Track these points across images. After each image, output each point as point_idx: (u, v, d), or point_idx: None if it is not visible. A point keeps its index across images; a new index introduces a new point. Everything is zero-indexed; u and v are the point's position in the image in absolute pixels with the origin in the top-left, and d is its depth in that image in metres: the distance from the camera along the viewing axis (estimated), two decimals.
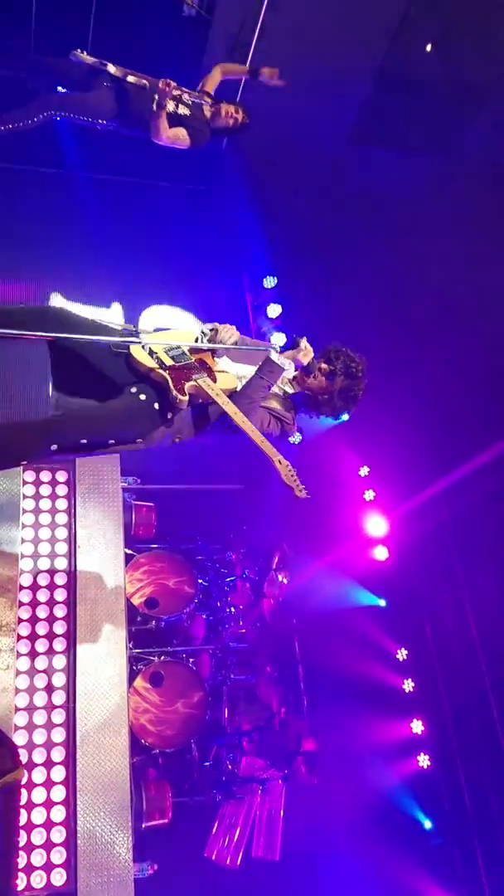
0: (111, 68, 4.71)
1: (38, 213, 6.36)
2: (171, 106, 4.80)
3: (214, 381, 3.22)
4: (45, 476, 4.90)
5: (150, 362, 3.14)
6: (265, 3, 5.57)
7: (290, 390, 3.55)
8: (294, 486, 3.03)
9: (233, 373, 3.40)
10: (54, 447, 2.97)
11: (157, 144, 4.97)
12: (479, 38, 5.75)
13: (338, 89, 6.20)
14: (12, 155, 6.01)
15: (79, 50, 4.71)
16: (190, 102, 4.94)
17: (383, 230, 6.21)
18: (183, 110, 4.91)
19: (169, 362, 3.18)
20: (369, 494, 6.42)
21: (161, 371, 3.13)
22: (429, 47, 5.98)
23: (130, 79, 4.74)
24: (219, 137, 5.42)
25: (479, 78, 6.00)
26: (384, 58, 6.08)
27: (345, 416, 3.74)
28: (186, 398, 3.12)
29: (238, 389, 3.33)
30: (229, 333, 3.40)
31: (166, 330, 3.50)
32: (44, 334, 3.01)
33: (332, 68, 6.03)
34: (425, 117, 6.25)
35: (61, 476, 4.92)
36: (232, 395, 3.24)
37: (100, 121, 4.87)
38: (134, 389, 3.13)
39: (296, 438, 3.74)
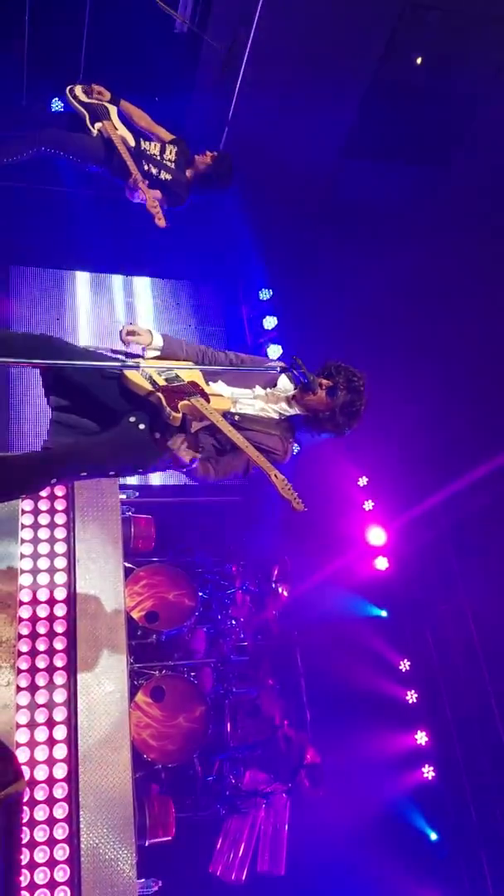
0: (96, 125, 4.75)
1: (37, 229, 6.41)
2: (153, 171, 4.86)
3: (208, 402, 3.20)
4: (44, 490, 4.89)
5: (143, 383, 3.14)
6: (256, 18, 5.62)
7: (290, 411, 3.46)
8: (291, 499, 2.99)
9: (227, 396, 3.37)
10: (54, 481, 2.98)
11: None
12: (468, 50, 5.80)
13: (330, 103, 6.26)
14: (11, 174, 6.06)
15: (69, 88, 4.77)
16: (172, 167, 4.95)
17: (377, 242, 6.25)
18: (165, 176, 4.93)
19: (162, 383, 3.17)
20: (368, 505, 6.41)
21: (155, 391, 3.12)
22: (419, 60, 6.04)
23: (114, 139, 4.77)
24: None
25: (468, 90, 6.05)
26: (375, 71, 6.14)
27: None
28: (180, 415, 3.11)
29: (231, 410, 3.30)
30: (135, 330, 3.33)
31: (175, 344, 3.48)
32: (41, 362, 3.03)
33: (323, 82, 6.09)
34: (417, 130, 6.30)
35: (59, 490, 4.91)
36: (225, 415, 3.23)
37: (89, 164, 4.92)
38: (132, 419, 3.13)
39: (294, 449, 3.71)
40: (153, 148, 4.95)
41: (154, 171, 4.86)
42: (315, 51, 5.85)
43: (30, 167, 5.48)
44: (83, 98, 4.80)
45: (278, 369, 3.44)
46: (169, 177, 4.95)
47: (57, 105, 5.03)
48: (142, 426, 3.11)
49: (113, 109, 4.84)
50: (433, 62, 5.96)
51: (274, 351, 6.93)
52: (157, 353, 3.40)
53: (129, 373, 3.12)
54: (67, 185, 6.34)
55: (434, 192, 6.10)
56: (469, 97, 5.83)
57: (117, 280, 7.16)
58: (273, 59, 5.89)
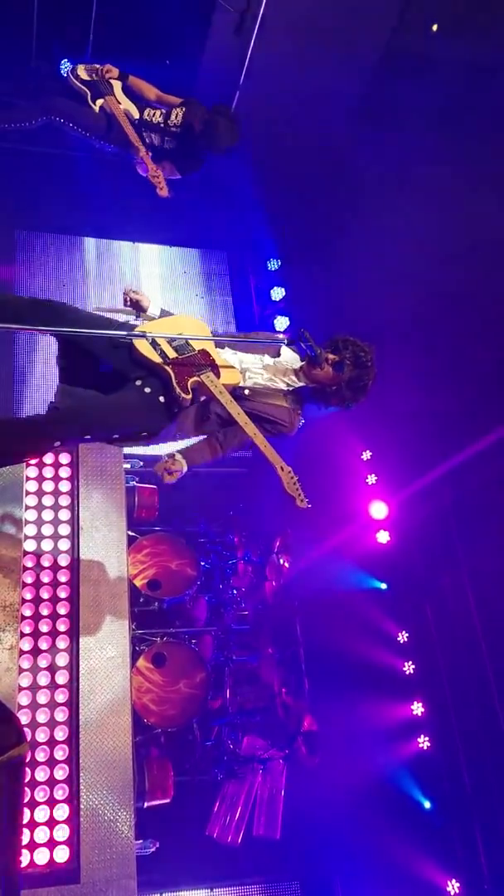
0: (98, 102, 4.71)
1: (44, 193, 6.35)
2: (156, 141, 4.81)
3: (218, 375, 3.18)
4: (49, 458, 4.92)
5: (153, 356, 3.12)
6: None
7: (297, 383, 3.45)
8: (296, 496, 3.00)
9: (235, 363, 3.36)
10: (58, 444, 2.98)
11: None
12: (484, 17, 5.68)
13: (343, 70, 6.16)
14: (13, 135, 5.99)
15: (71, 68, 4.73)
16: (177, 131, 4.85)
17: (388, 212, 6.18)
18: (168, 144, 4.87)
19: (172, 355, 3.14)
20: (372, 479, 6.43)
21: (165, 366, 3.11)
22: (434, 27, 5.92)
23: (116, 113, 4.70)
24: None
25: (485, 57, 5.93)
26: (390, 38, 6.02)
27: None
28: (190, 397, 3.11)
29: (241, 384, 3.30)
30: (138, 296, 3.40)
31: (168, 315, 3.46)
32: (43, 328, 3.02)
33: (337, 49, 5.98)
34: (432, 98, 6.20)
35: (64, 458, 4.94)
36: (232, 392, 3.22)
37: (97, 140, 4.87)
38: (139, 382, 3.13)
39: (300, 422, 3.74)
40: (156, 116, 4.86)
41: (156, 140, 4.80)
42: (329, 16, 5.74)
43: (35, 129, 5.44)
44: (85, 77, 4.74)
45: (285, 341, 3.44)
46: (173, 144, 4.87)
47: (66, 66, 4.96)
48: (148, 389, 3.11)
49: (117, 85, 4.78)
50: (449, 30, 5.84)
51: (281, 322, 6.89)
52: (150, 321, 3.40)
53: (139, 345, 3.11)
54: (75, 149, 6.27)
55: (449, 162, 6.00)
56: (487, 67, 5.72)
57: (125, 247, 7.11)
58: (286, 24, 5.78)
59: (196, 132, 4.81)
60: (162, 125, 4.83)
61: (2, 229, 6.57)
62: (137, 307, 3.39)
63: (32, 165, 6.24)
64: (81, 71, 4.75)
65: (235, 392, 3.26)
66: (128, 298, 3.39)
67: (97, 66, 4.80)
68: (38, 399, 6.07)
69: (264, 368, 3.41)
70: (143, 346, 3.12)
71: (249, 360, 3.40)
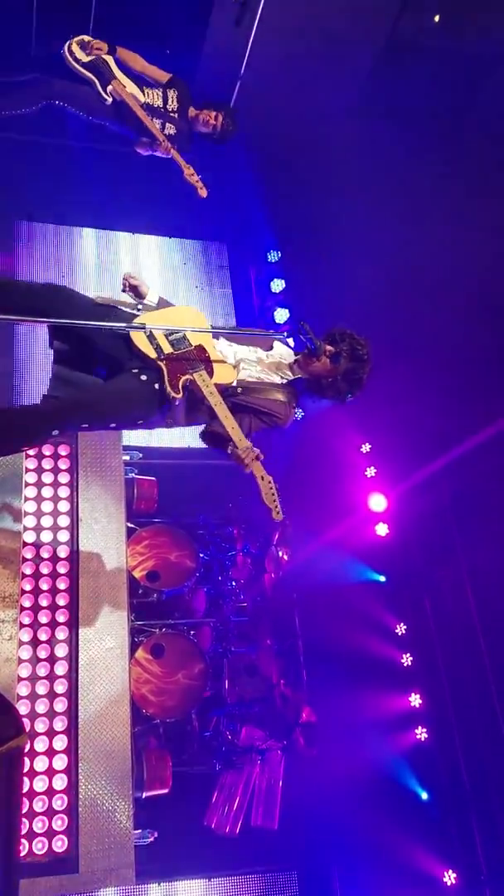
0: (108, 89, 4.68)
1: (43, 183, 6.33)
2: (158, 125, 4.83)
3: (212, 373, 3.19)
4: (48, 449, 4.92)
5: (149, 350, 3.13)
6: None
7: (292, 375, 3.46)
8: (272, 508, 3.02)
9: (230, 355, 3.37)
10: (56, 432, 2.99)
11: None
12: (487, 8, 5.66)
13: (344, 62, 6.13)
14: (13, 125, 5.97)
15: (67, 46, 4.68)
16: (175, 117, 4.90)
17: (388, 205, 6.16)
18: (170, 129, 4.88)
19: (168, 350, 3.15)
20: (371, 471, 6.42)
21: (159, 362, 3.12)
22: (436, 18, 5.89)
23: (127, 100, 4.70)
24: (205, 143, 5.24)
25: (487, 50, 5.91)
26: (391, 30, 5.99)
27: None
28: (180, 395, 3.12)
29: (234, 384, 3.30)
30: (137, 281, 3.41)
31: (167, 304, 3.46)
32: (43, 320, 3.02)
33: (338, 41, 5.95)
34: (433, 90, 6.17)
35: (63, 450, 4.94)
36: (224, 390, 3.23)
37: (98, 118, 4.86)
38: (136, 370, 3.14)
39: (298, 414, 3.72)
40: (156, 98, 4.87)
41: (158, 125, 4.80)
42: (329, 8, 5.72)
43: (35, 119, 5.42)
44: (84, 58, 4.67)
45: (284, 334, 3.43)
46: (173, 130, 4.89)
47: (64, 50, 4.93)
48: (144, 377, 3.12)
49: (111, 60, 4.75)
50: (451, 21, 5.81)
51: (281, 314, 6.88)
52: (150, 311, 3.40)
53: (135, 338, 3.12)
54: (74, 138, 6.25)
55: (449, 155, 5.98)
56: (489, 60, 5.69)
57: (124, 237, 7.09)
58: (286, 15, 5.76)
59: (208, 134, 5.02)
60: (162, 109, 4.83)
61: (1, 219, 6.55)
62: (136, 292, 3.39)
63: (32, 155, 6.22)
64: (78, 51, 4.67)
65: (227, 390, 3.27)
66: (126, 284, 3.38)
67: (86, 37, 4.73)
68: (37, 389, 6.07)
69: (258, 361, 3.42)
70: (139, 340, 3.13)
71: (244, 352, 3.41)
